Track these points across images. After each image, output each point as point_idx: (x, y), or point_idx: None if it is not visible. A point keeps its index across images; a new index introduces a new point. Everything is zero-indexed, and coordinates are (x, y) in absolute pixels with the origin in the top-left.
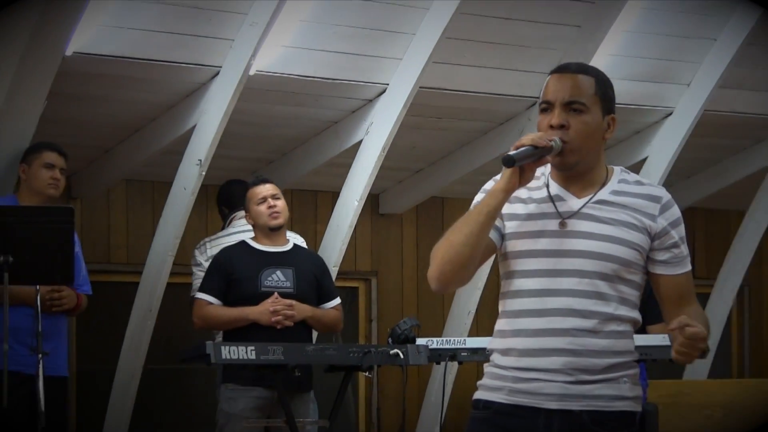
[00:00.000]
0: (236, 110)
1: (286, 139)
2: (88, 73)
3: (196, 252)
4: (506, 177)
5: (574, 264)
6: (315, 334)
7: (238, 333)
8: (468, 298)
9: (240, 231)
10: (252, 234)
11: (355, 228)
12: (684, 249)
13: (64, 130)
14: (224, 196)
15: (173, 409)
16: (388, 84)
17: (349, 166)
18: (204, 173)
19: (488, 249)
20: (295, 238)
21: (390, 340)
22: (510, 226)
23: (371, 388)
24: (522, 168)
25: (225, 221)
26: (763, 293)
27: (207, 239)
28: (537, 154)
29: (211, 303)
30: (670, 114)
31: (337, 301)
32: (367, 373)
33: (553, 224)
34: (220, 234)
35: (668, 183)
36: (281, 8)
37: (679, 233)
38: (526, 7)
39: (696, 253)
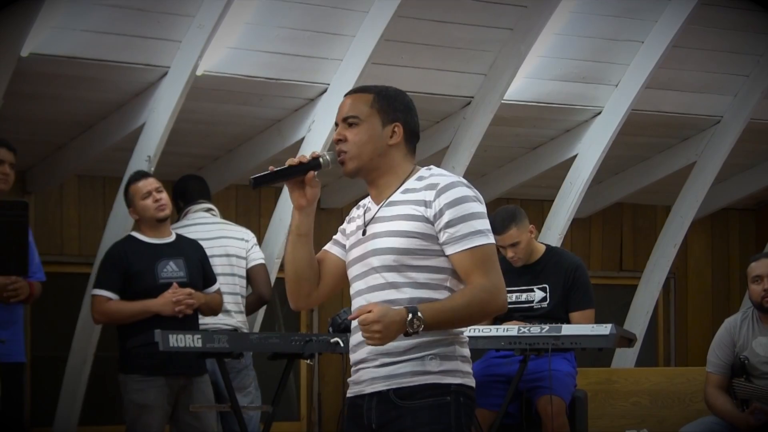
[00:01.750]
0: (184, 109)
1: (232, 137)
2: (42, 72)
3: None
4: (291, 195)
5: (368, 264)
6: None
7: (136, 326)
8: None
9: (194, 223)
10: (197, 225)
11: None
12: (462, 228)
13: (20, 128)
14: (180, 190)
15: None
16: (329, 84)
17: None
18: (153, 169)
19: (339, 268)
20: (244, 233)
21: (330, 329)
22: (347, 243)
23: (312, 374)
24: (300, 184)
25: (180, 214)
26: (688, 285)
27: None
28: (296, 171)
29: (110, 299)
30: (599, 113)
31: (217, 286)
32: (308, 361)
33: (359, 233)
34: (175, 225)
35: (597, 179)
36: (227, 11)
37: (454, 213)
38: (461, 11)
39: (624, 246)
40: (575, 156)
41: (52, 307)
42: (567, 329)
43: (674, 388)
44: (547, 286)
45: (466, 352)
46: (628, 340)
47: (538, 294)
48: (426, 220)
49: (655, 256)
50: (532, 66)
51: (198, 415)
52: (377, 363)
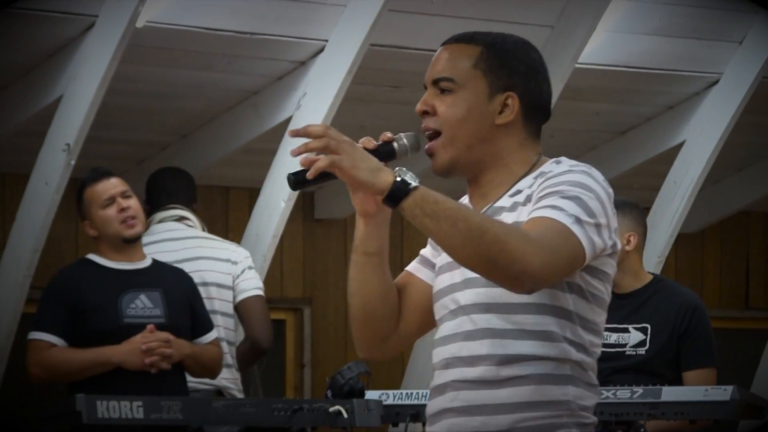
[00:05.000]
0: (117, 76)
1: (187, 116)
2: None
3: None
4: (353, 196)
5: (459, 300)
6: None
7: (94, 382)
8: (434, 337)
9: (157, 240)
10: (161, 242)
11: (281, 238)
12: (548, 199)
13: None
14: (147, 188)
15: None
16: (327, 41)
17: (273, 153)
18: (74, 162)
19: (430, 298)
20: (232, 251)
21: (329, 392)
22: (438, 263)
23: None
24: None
25: None
26: None
27: None
28: None
29: (54, 345)
30: (716, 83)
31: (215, 334)
32: None
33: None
34: None
35: (713, 177)
36: None
37: (548, 185)
38: None
39: (751, 274)
40: (682, 144)
41: None
42: (669, 393)
43: None
44: (648, 326)
45: None
46: (757, 409)
47: (634, 336)
48: None
49: None
50: (619, 15)
51: None
52: None
